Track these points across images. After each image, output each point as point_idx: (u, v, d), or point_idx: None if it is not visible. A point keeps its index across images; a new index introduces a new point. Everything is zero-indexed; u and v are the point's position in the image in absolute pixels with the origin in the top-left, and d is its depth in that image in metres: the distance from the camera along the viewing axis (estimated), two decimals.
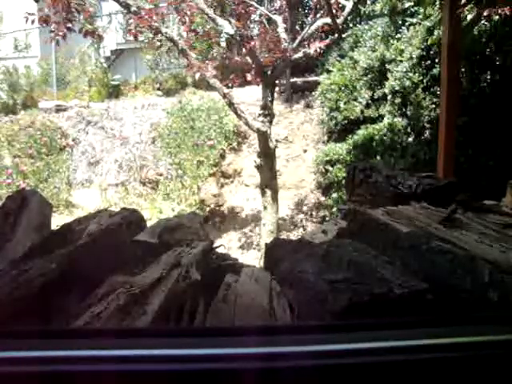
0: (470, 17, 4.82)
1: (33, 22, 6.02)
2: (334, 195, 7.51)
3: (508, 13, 4.41)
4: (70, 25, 5.95)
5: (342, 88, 7.87)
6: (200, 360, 0.84)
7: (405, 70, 6.68)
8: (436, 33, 6.31)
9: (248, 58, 6.64)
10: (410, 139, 6.62)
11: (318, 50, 6.53)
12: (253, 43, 6.36)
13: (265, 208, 6.76)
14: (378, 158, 6.77)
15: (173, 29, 7.44)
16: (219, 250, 2.53)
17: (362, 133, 7.22)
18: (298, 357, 0.84)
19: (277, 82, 7.40)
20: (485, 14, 4.48)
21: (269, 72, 6.59)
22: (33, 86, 12.82)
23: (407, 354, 0.85)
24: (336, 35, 7.02)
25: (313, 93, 9.80)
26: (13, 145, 9.98)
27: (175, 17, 7.70)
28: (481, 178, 5.38)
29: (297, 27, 8.42)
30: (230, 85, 7.50)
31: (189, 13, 6.76)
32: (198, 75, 6.44)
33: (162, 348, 0.87)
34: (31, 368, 0.81)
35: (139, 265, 1.81)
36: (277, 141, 7.31)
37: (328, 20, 6.62)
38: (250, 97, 9.84)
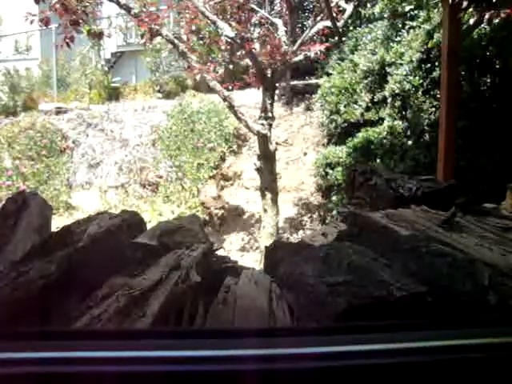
0: (471, 21, 4.82)
1: (32, 22, 6.02)
2: (334, 198, 7.51)
3: (508, 13, 4.41)
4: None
5: (342, 91, 7.88)
6: (200, 362, 0.84)
7: (405, 73, 6.68)
8: (436, 36, 6.32)
9: (248, 60, 6.65)
10: (410, 142, 6.61)
11: (319, 52, 6.54)
12: (253, 46, 6.37)
13: (265, 210, 6.76)
14: (378, 160, 6.77)
15: (173, 32, 7.45)
16: (219, 253, 2.54)
17: (361, 136, 7.22)
18: (297, 359, 0.84)
19: (277, 84, 7.40)
20: (486, 17, 4.47)
21: (269, 75, 6.60)
22: (33, 88, 12.83)
23: (406, 357, 0.86)
24: (336, 38, 7.03)
25: (313, 96, 9.82)
26: (13, 147, 9.97)
27: (176, 18, 7.72)
28: (480, 181, 5.37)
29: (297, 30, 8.44)
30: (230, 87, 7.50)
31: (188, 16, 6.77)
32: (198, 77, 6.44)
33: (161, 350, 0.87)
34: (31, 369, 0.81)
35: (139, 267, 1.81)
36: (277, 143, 7.33)
37: (328, 23, 6.64)
38: (250, 99, 9.86)
